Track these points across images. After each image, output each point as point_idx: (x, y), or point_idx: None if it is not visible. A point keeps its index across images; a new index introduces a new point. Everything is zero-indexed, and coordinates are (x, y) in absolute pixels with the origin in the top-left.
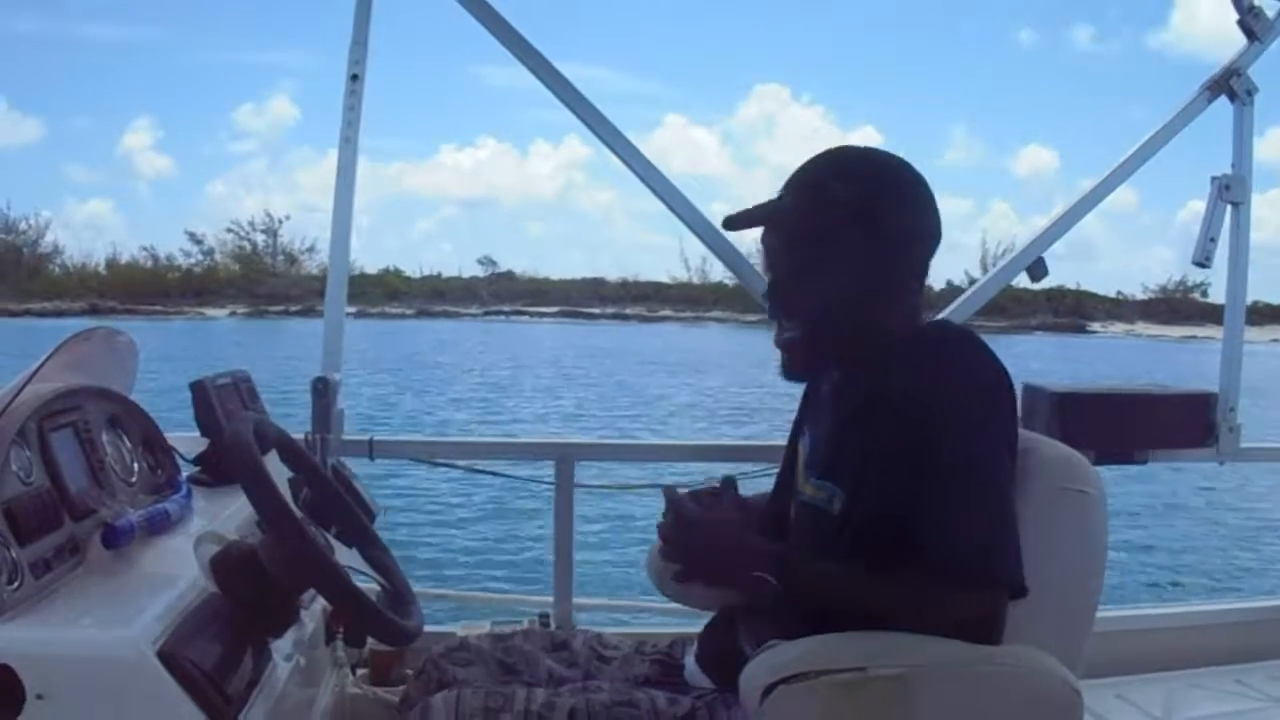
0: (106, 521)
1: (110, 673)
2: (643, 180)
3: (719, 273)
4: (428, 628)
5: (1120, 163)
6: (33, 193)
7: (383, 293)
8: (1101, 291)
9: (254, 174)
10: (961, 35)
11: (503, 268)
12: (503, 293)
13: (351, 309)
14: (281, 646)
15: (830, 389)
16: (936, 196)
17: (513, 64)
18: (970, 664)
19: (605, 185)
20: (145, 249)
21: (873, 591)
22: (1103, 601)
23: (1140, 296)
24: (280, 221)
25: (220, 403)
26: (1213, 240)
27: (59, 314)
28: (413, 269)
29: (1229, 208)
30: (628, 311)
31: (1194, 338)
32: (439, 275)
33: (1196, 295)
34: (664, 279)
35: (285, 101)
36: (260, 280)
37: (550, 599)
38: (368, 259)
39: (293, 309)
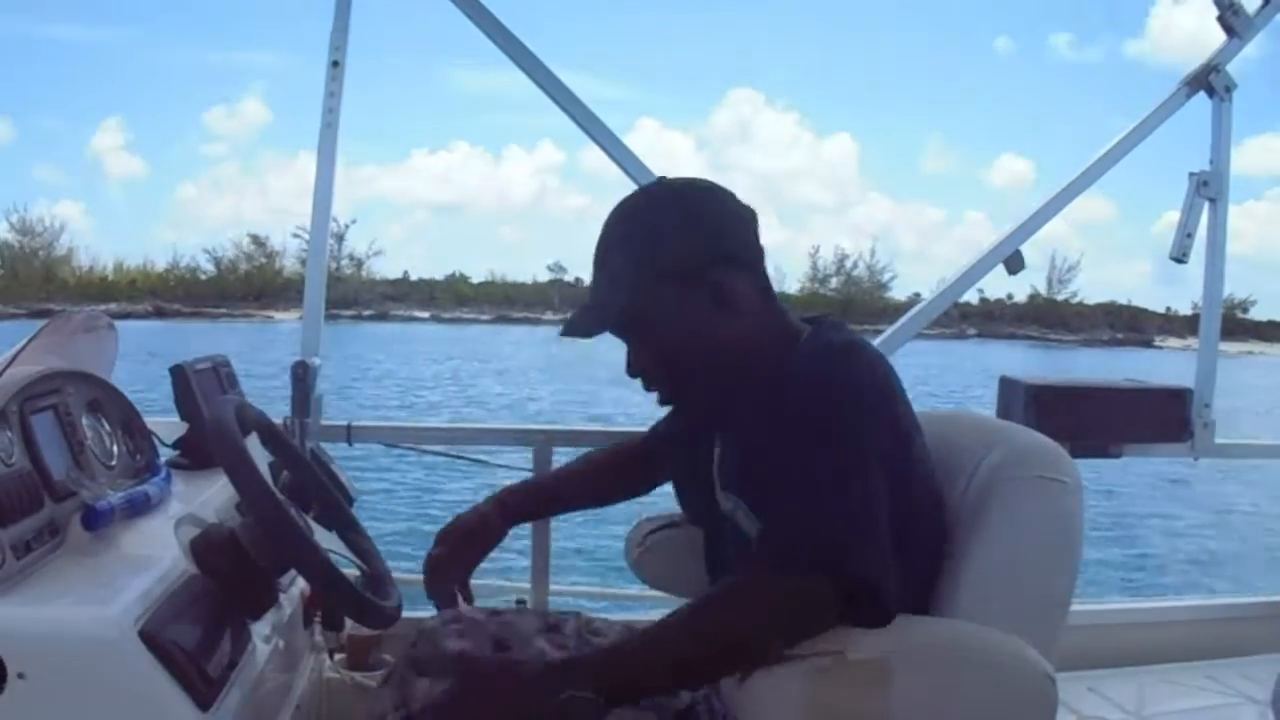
0: (86, 503)
1: (92, 652)
2: (636, 183)
3: (793, 280)
4: (405, 612)
5: (1099, 156)
6: (2, 194)
7: (452, 298)
8: (1152, 307)
9: (225, 177)
10: (938, 42)
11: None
12: (570, 299)
13: (424, 313)
14: (260, 629)
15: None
16: (912, 205)
17: (486, 67)
18: (947, 649)
19: (578, 190)
20: (207, 251)
21: (692, 618)
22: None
23: (1186, 312)
24: (346, 226)
25: (200, 387)
26: (1189, 236)
27: (125, 316)
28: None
29: (1206, 204)
30: None
31: (1250, 353)
32: (495, 280)
33: (1238, 312)
34: None
35: (257, 104)
36: (328, 285)
37: (527, 585)
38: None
39: (365, 313)
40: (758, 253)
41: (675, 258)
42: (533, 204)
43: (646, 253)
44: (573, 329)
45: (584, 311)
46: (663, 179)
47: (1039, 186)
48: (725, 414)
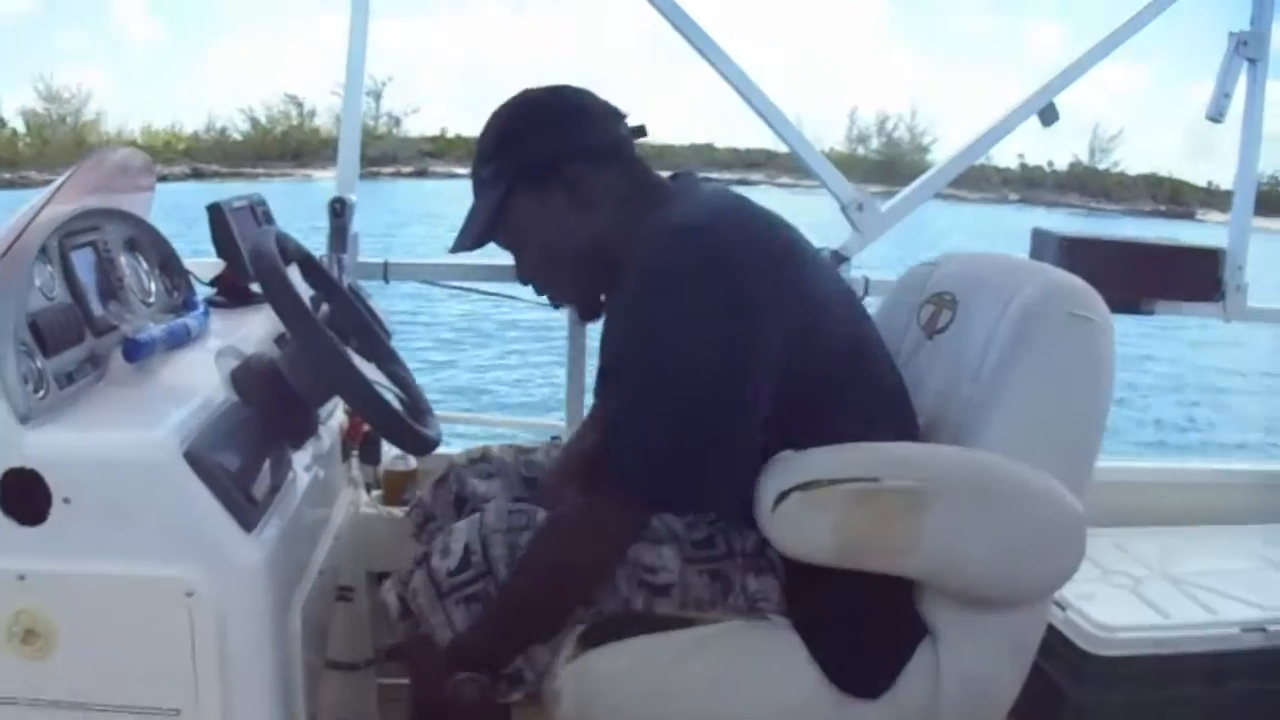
0: (127, 336)
1: (137, 474)
2: (677, 29)
3: (831, 140)
4: (441, 450)
5: (1136, 12)
6: (28, 63)
7: None
8: (1193, 180)
9: (250, 38)
10: None
11: None
12: None
13: (463, 170)
14: (300, 459)
15: None
16: (947, 69)
17: None
18: (979, 482)
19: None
20: (243, 111)
21: (525, 562)
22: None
23: (1228, 187)
24: (383, 84)
25: (237, 225)
26: (1227, 96)
27: (163, 178)
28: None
29: (1245, 64)
30: (753, 178)
31: None
32: None
33: None
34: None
35: None
36: (367, 143)
37: (563, 423)
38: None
39: (405, 170)
40: (620, 146)
41: (527, 161)
42: (554, 59)
43: (503, 161)
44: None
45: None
46: (526, 89)
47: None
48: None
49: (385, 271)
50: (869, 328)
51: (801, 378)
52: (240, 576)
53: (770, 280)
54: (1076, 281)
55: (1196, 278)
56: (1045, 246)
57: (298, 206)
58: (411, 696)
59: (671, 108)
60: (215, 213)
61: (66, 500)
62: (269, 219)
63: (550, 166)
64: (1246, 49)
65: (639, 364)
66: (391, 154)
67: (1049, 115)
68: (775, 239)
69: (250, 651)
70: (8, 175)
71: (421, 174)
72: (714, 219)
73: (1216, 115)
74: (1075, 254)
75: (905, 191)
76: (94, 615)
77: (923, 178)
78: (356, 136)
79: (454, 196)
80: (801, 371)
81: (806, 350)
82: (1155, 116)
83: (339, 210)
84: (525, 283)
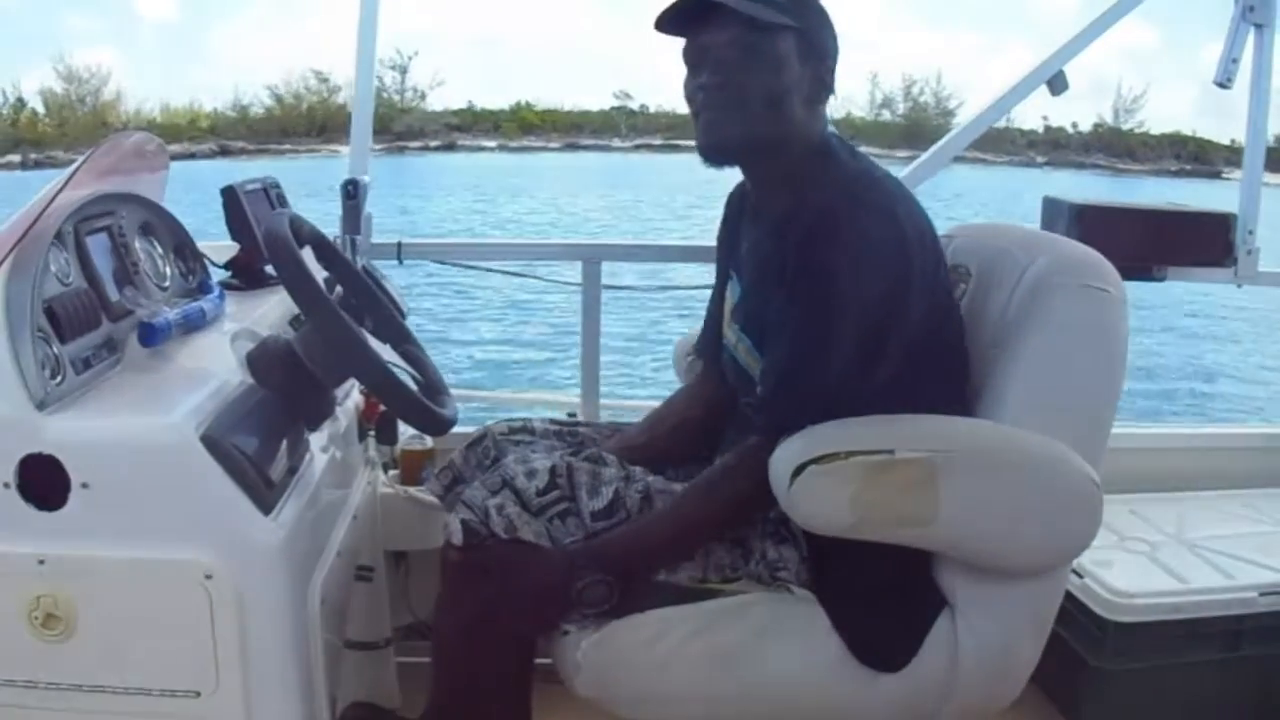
0: (143, 320)
1: (154, 458)
2: None
3: (853, 107)
4: (458, 429)
5: None
6: (37, 43)
7: (517, 127)
8: (1216, 139)
9: (260, 16)
10: None
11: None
12: (640, 126)
13: (491, 143)
14: (317, 440)
15: (750, 242)
16: (949, 31)
17: None
18: (996, 453)
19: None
20: (269, 88)
21: (685, 503)
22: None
23: None
24: (409, 58)
25: (251, 207)
26: (1235, 61)
27: (190, 156)
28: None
29: (1252, 29)
30: None
31: None
32: (557, 109)
33: None
34: None
35: None
36: (393, 117)
37: (577, 399)
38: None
39: (432, 144)
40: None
41: (814, 33)
42: (570, 32)
43: (799, 12)
44: None
45: None
46: None
47: (1082, 19)
48: (739, 233)
49: (399, 251)
50: (955, 304)
51: (914, 344)
52: (259, 558)
53: (931, 257)
54: (1089, 253)
55: (1208, 243)
56: (1056, 215)
57: (324, 182)
58: (473, 609)
59: None
60: (229, 196)
61: (85, 485)
62: (282, 200)
63: (822, 54)
64: (1253, 14)
65: (823, 300)
66: (418, 128)
67: (1058, 84)
68: (928, 221)
69: (270, 633)
70: (34, 155)
71: (449, 148)
72: (895, 188)
73: (1224, 81)
74: (1086, 222)
75: (917, 162)
76: (113, 599)
77: (933, 148)
78: (368, 118)
79: (503, 169)
80: (919, 339)
81: (930, 322)
82: (1169, 77)
83: (351, 192)
84: (706, 87)
